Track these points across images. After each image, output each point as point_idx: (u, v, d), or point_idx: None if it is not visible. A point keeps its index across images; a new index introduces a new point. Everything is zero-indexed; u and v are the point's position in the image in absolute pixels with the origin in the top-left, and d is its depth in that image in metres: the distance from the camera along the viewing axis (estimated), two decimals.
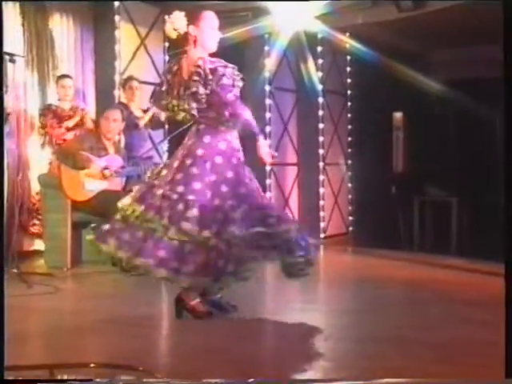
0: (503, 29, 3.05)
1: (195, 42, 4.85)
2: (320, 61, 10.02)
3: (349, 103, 10.85)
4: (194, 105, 4.74)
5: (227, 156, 4.83)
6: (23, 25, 7.86)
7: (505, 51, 3.04)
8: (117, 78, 8.59)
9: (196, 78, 4.71)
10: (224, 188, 4.75)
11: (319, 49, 10.00)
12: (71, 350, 4.04)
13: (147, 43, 9.05)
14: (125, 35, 8.74)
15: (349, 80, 10.70)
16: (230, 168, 4.81)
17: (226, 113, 4.81)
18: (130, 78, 8.24)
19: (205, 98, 4.73)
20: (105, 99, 8.50)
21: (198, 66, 4.72)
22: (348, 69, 10.68)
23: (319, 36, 9.79)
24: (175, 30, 4.85)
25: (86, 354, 4.04)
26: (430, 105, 10.97)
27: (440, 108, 11.08)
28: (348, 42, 9.87)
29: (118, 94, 8.48)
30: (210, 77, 4.70)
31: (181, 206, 4.64)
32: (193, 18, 4.86)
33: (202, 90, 4.71)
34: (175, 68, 4.89)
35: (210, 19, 4.90)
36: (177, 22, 4.84)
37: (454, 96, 10.58)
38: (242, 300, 4.92)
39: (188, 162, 4.78)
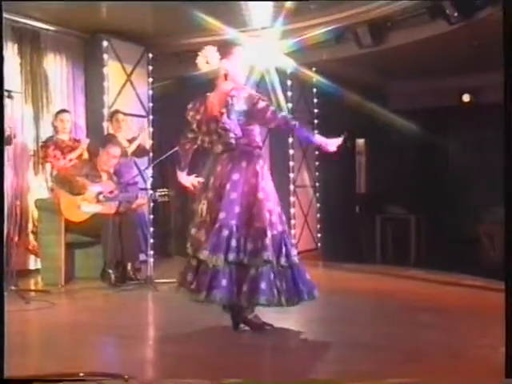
0: (503, 28, 3.00)
1: (226, 75, 4.73)
2: (289, 93, 10.08)
3: (316, 131, 10.88)
4: (230, 134, 4.60)
5: (259, 178, 4.66)
6: (21, 64, 7.90)
7: (505, 53, 3.00)
8: (105, 111, 8.61)
9: (229, 108, 4.59)
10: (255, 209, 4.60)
11: (289, 82, 10.07)
12: (66, 360, 4.01)
13: (133, 79, 9.08)
14: (112, 72, 8.77)
15: (316, 110, 10.76)
16: (260, 189, 4.64)
17: (258, 138, 4.74)
18: (116, 112, 8.35)
19: (241, 126, 4.62)
20: (95, 130, 8.50)
21: (232, 96, 4.60)
22: (315, 100, 10.74)
23: (289, 71, 9.86)
24: (208, 63, 4.70)
25: (80, 363, 4.00)
26: (389, 132, 11.06)
27: (398, 135, 11.17)
28: (314, 77, 9.96)
29: (107, 125, 8.50)
30: (245, 104, 4.60)
31: (225, 233, 4.51)
32: (225, 53, 4.75)
33: (233, 121, 4.59)
34: (201, 107, 4.73)
35: (240, 53, 4.79)
36: (210, 56, 4.70)
37: (411, 124, 10.70)
38: (214, 309, 4.83)
39: (227, 187, 4.59)
